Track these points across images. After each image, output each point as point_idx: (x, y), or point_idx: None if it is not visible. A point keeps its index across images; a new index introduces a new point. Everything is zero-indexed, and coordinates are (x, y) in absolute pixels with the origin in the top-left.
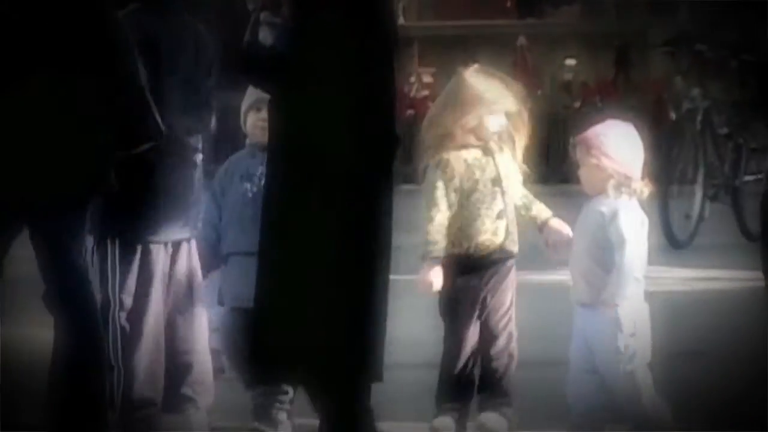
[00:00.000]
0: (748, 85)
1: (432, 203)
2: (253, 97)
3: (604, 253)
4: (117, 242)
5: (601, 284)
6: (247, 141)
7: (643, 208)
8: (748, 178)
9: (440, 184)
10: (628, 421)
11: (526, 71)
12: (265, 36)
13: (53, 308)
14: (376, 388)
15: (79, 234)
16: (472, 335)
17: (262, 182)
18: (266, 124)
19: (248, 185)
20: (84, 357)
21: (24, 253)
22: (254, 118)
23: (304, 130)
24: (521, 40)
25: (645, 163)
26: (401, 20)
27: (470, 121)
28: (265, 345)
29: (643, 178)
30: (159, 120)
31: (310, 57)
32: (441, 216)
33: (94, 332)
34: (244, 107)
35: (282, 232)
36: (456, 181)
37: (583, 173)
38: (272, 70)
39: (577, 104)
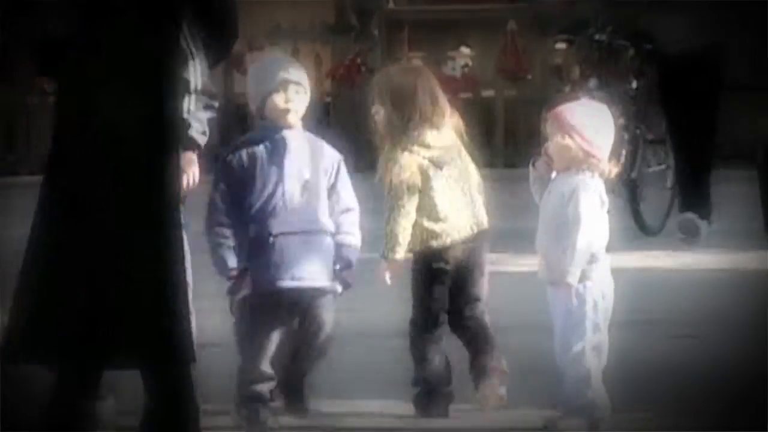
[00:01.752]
0: (645, 75)
1: None
2: (276, 79)
3: (561, 231)
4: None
5: (558, 262)
6: (262, 123)
7: (610, 190)
8: (647, 170)
9: None
10: (569, 404)
11: (516, 55)
12: (44, 21)
13: None
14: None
15: None
16: None
17: (288, 162)
18: (292, 106)
19: (276, 168)
20: None
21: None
22: (279, 100)
23: (91, 114)
24: (511, 25)
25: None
26: (391, 4)
27: None
28: (75, 330)
29: (610, 160)
30: None
31: (87, 41)
32: None
33: None
34: (260, 89)
35: (74, 217)
36: None
37: (551, 147)
38: (51, 56)
39: (568, 88)
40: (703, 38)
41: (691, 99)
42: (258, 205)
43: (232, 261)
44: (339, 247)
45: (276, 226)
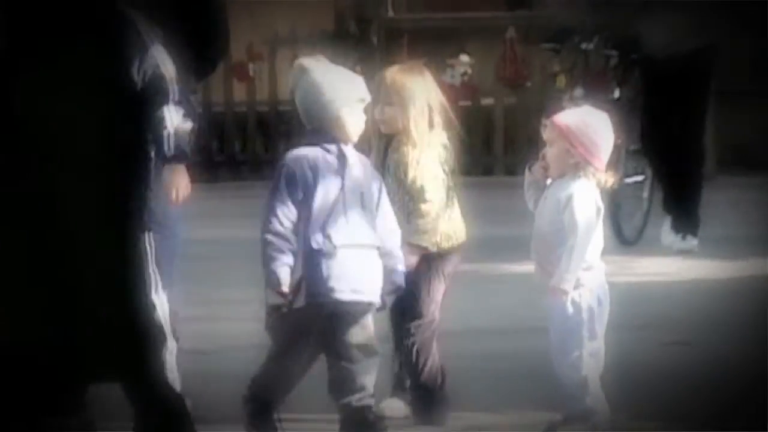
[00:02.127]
0: (629, 84)
1: None
2: (354, 97)
3: (557, 237)
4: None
5: (553, 269)
6: (322, 135)
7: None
8: (627, 180)
9: None
10: (568, 410)
11: (515, 63)
12: None
13: None
14: None
15: None
16: None
17: (348, 175)
18: (361, 125)
19: (338, 181)
20: None
21: None
22: (352, 118)
23: (47, 125)
24: (510, 32)
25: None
26: (390, 12)
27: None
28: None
29: (608, 169)
30: None
31: (39, 55)
32: None
33: None
34: (335, 103)
35: (33, 230)
36: None
37: (550, 153)
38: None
39: (568, 95)
40: (691, 43)
41: (676, 106)
42: (320, 216)
43: (286, 276)
44: (390, 271)
45: (339, 238)
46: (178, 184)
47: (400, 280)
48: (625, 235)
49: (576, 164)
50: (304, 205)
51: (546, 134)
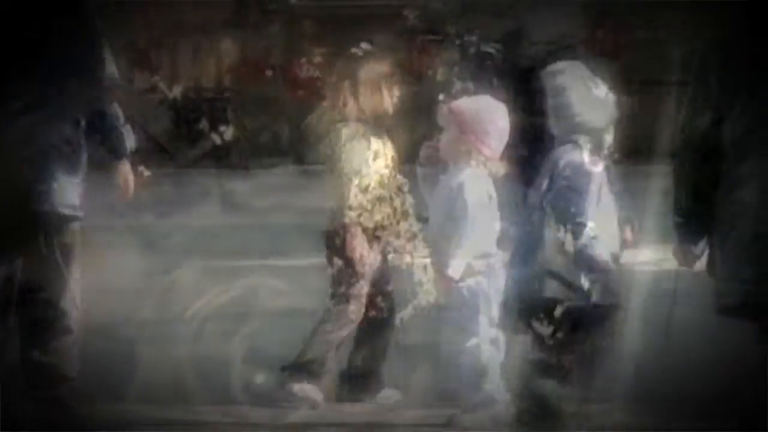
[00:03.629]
0: (478, 78)
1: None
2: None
3: (449, 225)
4: None
5: (446, 257)
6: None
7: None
8: None
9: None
10: (468, 399)
11: (416, 52)
12: None
13: None
14: None
15: None
16: None
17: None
18: None
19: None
20: None
21: None
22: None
23: None
24: (412, 21)
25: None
26: (293, 0)
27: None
28: None
29: (502, 158)
30: None
31: None
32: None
33: None
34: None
35: None
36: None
37: (444, 139)
38: None
39: (459, 85)
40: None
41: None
42: None
43: None
44: None
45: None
46: (129, 180)
47: None
48: None
49: (467, 152)
50: None
51: (440, 119)
